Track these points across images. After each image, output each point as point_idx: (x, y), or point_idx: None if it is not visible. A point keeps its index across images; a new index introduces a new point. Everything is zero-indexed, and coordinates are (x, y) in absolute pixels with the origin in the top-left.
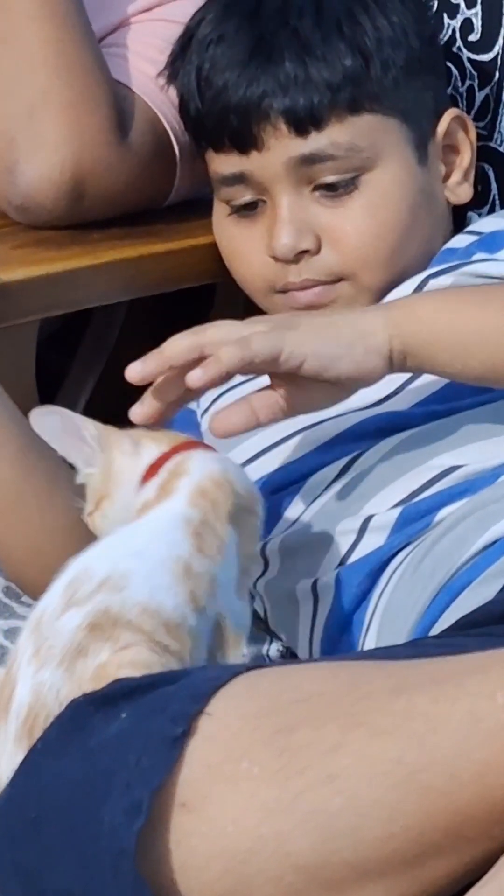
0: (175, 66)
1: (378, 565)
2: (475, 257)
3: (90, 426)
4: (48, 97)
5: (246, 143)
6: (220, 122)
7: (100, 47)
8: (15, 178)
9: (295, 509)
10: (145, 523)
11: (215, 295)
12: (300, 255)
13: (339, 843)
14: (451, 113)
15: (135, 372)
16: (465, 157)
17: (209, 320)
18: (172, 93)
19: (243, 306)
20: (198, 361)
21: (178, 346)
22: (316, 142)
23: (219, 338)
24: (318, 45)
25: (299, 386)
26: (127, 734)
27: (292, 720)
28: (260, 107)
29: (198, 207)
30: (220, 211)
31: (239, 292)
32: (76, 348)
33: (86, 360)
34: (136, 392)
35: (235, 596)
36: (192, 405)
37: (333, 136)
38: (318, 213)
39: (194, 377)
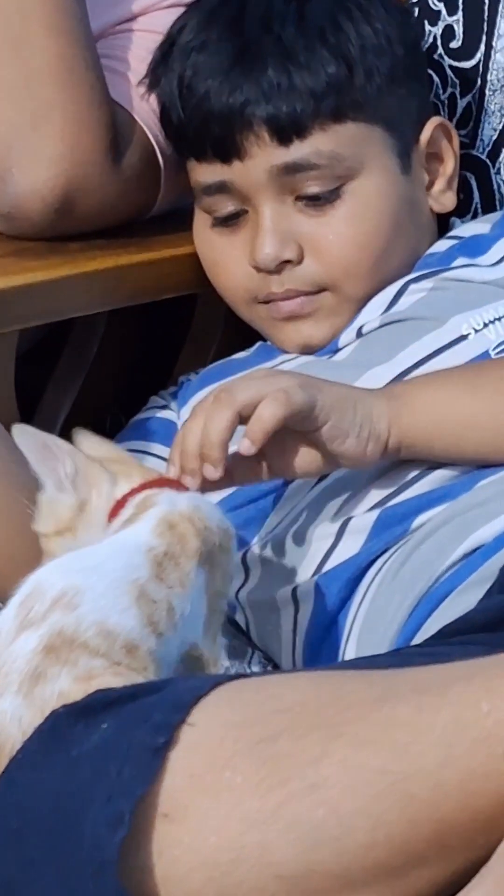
0: (156, 74)
1: (357, 571)
2: (456, 262)
3: (69, 463)
4: (52, 111)
5: (228, 151)
6: (202, 131)
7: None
8: (6, 187)
9: (276, 516)
10: (105, 544)
11: (196, 305)
12: (282, 266)
13: (323, 853)
14: (434, 121)
15: (209, 473)
16: (449, 166)
17: (189, 331)
18: (155, 104)
19: (224, 317)
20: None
21: (221, 423)
22: (299, 150)
23: (249, 399)
24: (301, 53)
25: (288, 450)
26: (108, 744)
27: (274, 730)
28: (242, 115)
29: (178, 217)
30: (201, 221)
31: (220, 303)
32: (56, 361)
33: (66, 372)
34: (114, 406)
35: (202, 633)
36: (173, 415)
37: (316, 145)
38: (300, 223)
39: (245, 447)
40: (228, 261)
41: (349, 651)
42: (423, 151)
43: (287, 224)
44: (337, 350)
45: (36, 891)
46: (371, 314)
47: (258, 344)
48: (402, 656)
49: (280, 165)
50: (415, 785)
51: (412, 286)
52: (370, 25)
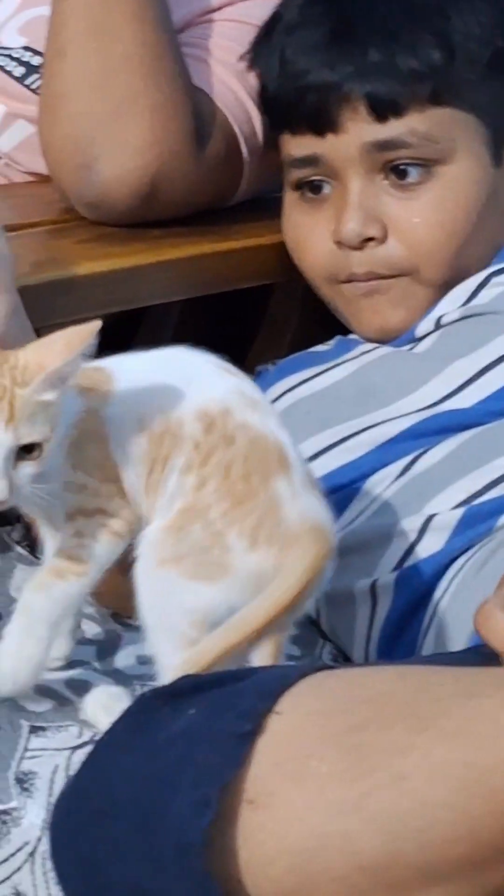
0: (259, 47)
1: (438, 569)
2: None
3: None
4: (137, 99)
5: (323, 124)
6: (299, 103)
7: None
8: (91, 176)
9: (355, 507)
10: None
11: (272, 295)
12: (365, 243)
13: (406, 844)
14: None
15: None
16: None
17: (264, 321)
18: (241, 94)
19: (300, 307)
20: None
21: None
22: (394, 128)
23: None
24: (405, 34)
25: None
26: (195, 730)
27: (361, 720)
28: (341, 89)
29: (260, 207)
30: (289, 200)
31: (296, 292)
32: (128, 349)
33: None
34: None
35: None
36: None
37: (412, 125)
38: (387, 203)
39: None
40: (312, 239)
41: (426, 647)
42: None
43: (374, 202)
44: (415, 340)
45: (119, 871)
46: (450, 305)
47: (337, 338)
48: (482, 654)
49: (373, 142)
50: (499, 779)
51: (494, 279)
52: (474, 14)
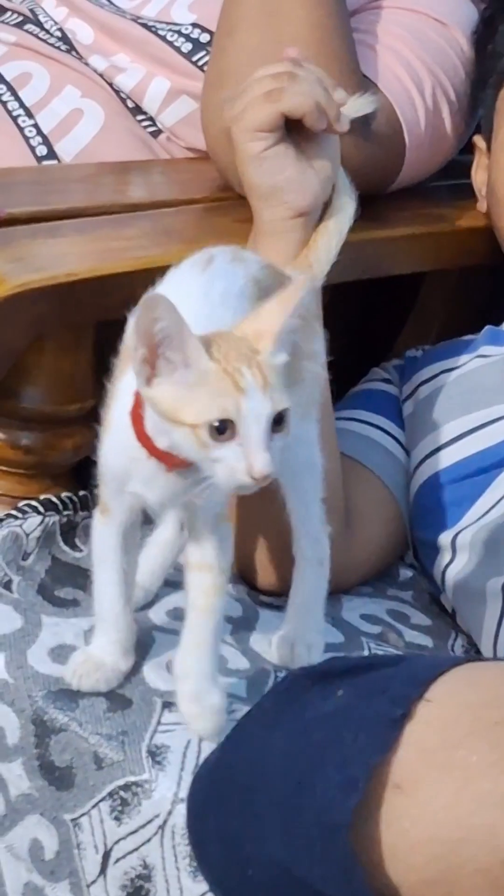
0: None
1: None
2: None
3: None
4: None
5: None
6: None
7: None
8: None
9: (489, 497)
10: None
11: (422, 286)
12: None
13: None
14: None
15: None
16: None
17: (414, 309)
18: (407, 82)
19: (451, 297)
20: None
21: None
22: None
23: None
24: None
25: None
26: (344, 711)
27: None
28: None
29: (418, 196)
30: None
31: (448, 282)
32: None
33: None
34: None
35: None
36: (395, 390)
37: None
38: None
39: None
40: None
41: None
42: None
43: None
44: None
45: (260, 846)
46: None
47: (487, 327)
48: None
49: None
50: None
51: None
52: None
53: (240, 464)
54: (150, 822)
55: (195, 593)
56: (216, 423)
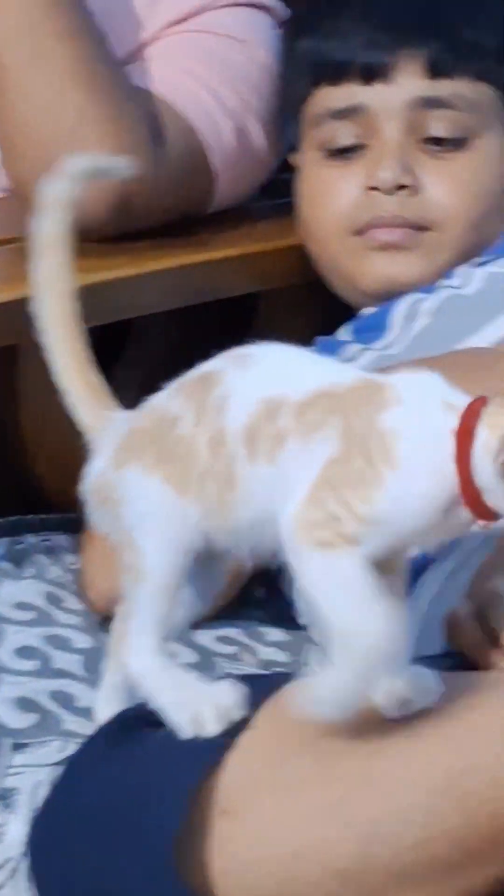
0: (313, 2)
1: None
2: None
3: None
4: (87, 115)
5: (376, 72)
6: (353, 49)
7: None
8: None
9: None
10: None
11: (256, 310)
12: (398, 190)
13: (380, 848)
14: None
15: None
16: None
17: (250, 333)
18: (210, 104)
19: (287, 315)
20: None
21: None
22: (444, 88)
23: None
24: (478, 11)
25: None
26: (168, 742)
27: (333, 727)
28: (405, 40)
29: (240, 216)
30: (312, 159)
31: (281, 300)
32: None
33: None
34: None
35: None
36: None
37: (460, 90)
38: (423, 161)
39: None
40: (337, 188)
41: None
42: None
43: (410, 158)
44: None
45: (93, 882)
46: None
47: (317, 339)
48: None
49: (422, 97)
50: (471, 780)
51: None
52: None
53: None
54: (2, 866)
55: None
56: None
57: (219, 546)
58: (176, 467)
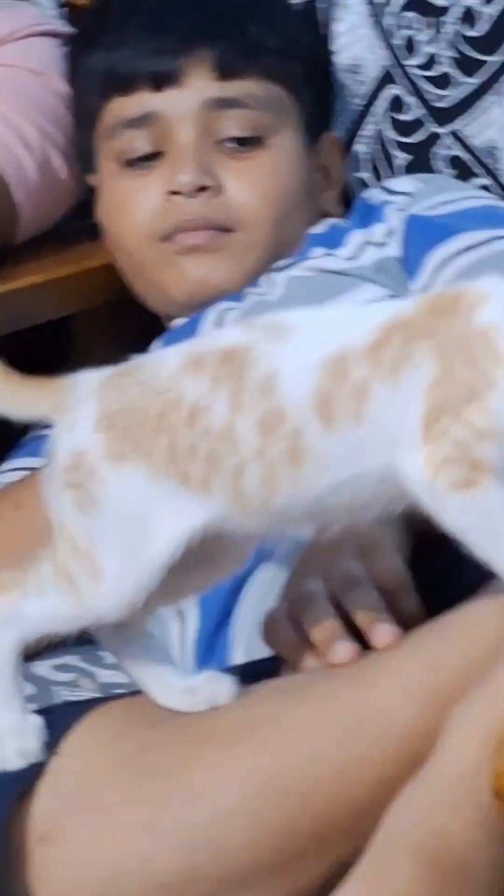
0: (97, 17)
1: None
2: (314, 252)
3: None
4: None
5: (165, 78)
6: (140, 57)
7: None
8: None
9: None
10: None
11: (73, 333)
12: (200, 192)
13: (203, 856)
14: (331, 135)
15: None
16: (336, 180)
17: (70, 356)
18: (11, 138)
19: (104, 334)
20: None
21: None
22: (235, 88)
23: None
24: (261, 10)
25: None
26: None
27: (145, 742)
28: (191, 44)
29: (50, 240)
30: (110, 172)
31: (97, 322)
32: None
33: None
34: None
35: None
36: None
37: (251, 89)
38: (222, 163)
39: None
40: (138, 198)
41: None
42: (319, 156)
43: (209, 159)
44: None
45: None
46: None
47: (132, 357)
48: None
49: (214, 98)
50: (287, 780)
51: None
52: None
53: None
54: None
55: None
56: None
57: (239, 536)
58: (197, 466)
